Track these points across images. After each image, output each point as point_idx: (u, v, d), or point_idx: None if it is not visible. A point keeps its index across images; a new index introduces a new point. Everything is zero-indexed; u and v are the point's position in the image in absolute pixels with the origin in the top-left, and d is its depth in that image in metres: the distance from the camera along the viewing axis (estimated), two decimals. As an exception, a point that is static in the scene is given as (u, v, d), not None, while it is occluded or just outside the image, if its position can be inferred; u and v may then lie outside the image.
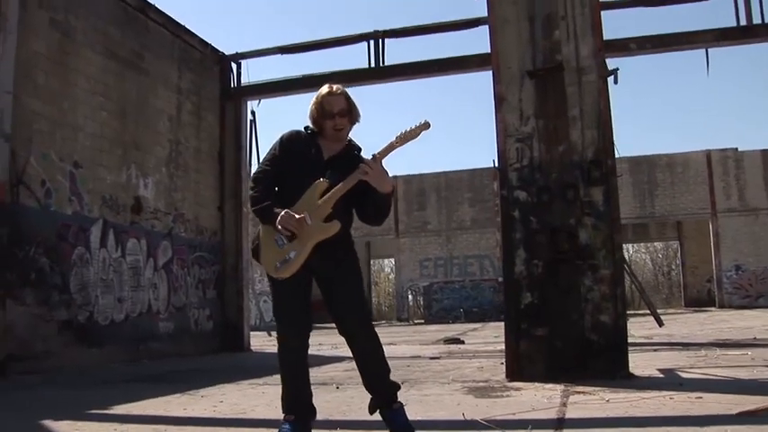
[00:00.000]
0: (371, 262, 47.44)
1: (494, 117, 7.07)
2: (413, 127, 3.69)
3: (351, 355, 3.93)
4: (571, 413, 4.53)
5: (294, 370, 3.86)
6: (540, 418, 4.37)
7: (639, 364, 7.59)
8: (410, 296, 38.94)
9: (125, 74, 12.61)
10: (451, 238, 37.60)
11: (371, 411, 3.94)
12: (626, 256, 52.83)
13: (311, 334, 3.89)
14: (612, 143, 6.86)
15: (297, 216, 3.64)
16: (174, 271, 13.49)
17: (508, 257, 6.87)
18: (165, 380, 7.99)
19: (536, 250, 6.73)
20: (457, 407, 4.99)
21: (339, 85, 4.00)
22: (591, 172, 6.68)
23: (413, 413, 4.85)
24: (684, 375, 6.48)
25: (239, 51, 15.81)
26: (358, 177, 3.68)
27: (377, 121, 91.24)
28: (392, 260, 44.07)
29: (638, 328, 15.73)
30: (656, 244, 52.52)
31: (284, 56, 15.56)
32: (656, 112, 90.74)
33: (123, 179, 12.35)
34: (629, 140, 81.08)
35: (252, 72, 15.43)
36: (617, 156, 7.34)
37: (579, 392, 5.46)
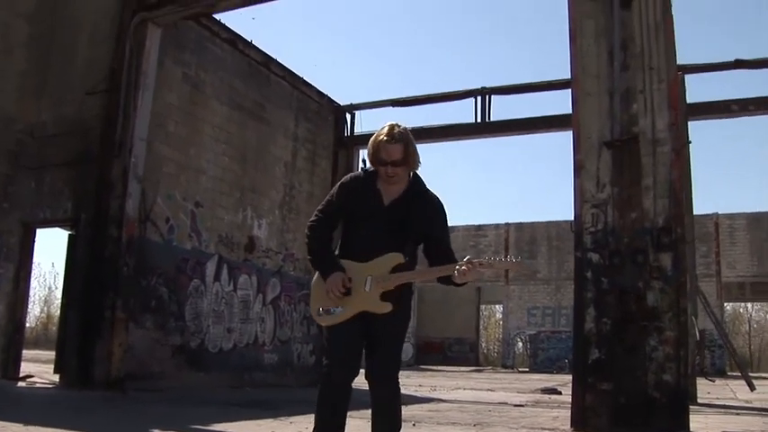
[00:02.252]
0: (482, 307, 47.60)
1: (572, 183, 7.59)
2: (513, 260, 3.68)
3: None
4: (609, 461, 4.98)
5: (332, 410, 3.71)
6: (578, 463, 4.84)
7: (711, 425, 7.86)
8: (519, 343, 38.92)
9: (247, 123, 13.79)
10: (561, 287, 37.37)
11: None
12: (748, 317, 50.87)
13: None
14: (682, 212, 7.24)
15: (342, 285, 3.63)
16: (281, 306, 14.45)
17: (579, 315, 7.32)
18: (261, 406, 8.77)
19: (605, 309, 7.16)
20: (511, 449, 5.50)
21: (402, 129, 3.79)
22: (660, 238, 7.08)
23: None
24: (745, 439, 6.74)
25: (353, 103, 16.81)
26: (447, 273, 3.69)
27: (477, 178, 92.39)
28: (501, 306, 44.09)
29: (745, 392, 15.42)
30: (781, 303, 50.40)
31: (395, 108, 16.41)
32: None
33: (239, 219, 13.44)
34: (753, 194, 78.35)
35: (364, 122, 16.30)
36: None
37: (629, 445, 5.86)
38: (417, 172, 3.92)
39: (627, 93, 7.53)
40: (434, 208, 3.88)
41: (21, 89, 11.91)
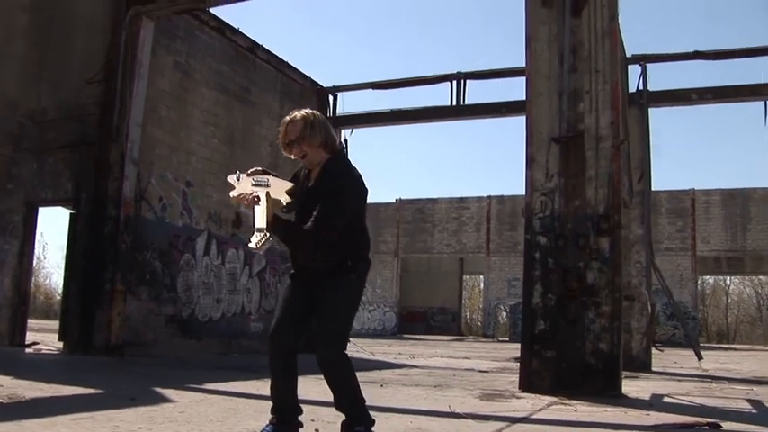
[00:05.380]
0: (465, 277, 48.73)
1: (524, 174, 8.52)
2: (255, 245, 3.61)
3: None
4: (537, 415, 5.95)
5: (274, 374, 3.93)
6: (511, 416, 5.80)
7: (644, 388, 8.90)
8: (505, 313, 40.08)
9: (234, 106, 14.64)
10: (541, 259, 38.30)
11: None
12: (727, 289, 52.04)
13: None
14: (620, 201, 8.20)
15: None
16: (266, 278, 15.43)
17: (527, 290, 8.30)
18: (248, 369, 9.74)
19: (550, 286, 8.13)
20: (461, 405, 6.46)
21: (305, 111, 3.94)
22: (600, 224, 8.02)
23: (419, 405, 6.40)
24: (666, 400, 7.72)
25: (336, 84, 17.64)
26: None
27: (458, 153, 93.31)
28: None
29: (713, 361, 16.25)
30: (760, 277, 51.66)
31: (375, 90, 17.24)
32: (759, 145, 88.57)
33: (227, 197, 14.28)
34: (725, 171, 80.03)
35: (346, 104, 17.17)
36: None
37: (563, 403, 6.85)
38: (341, 155, 4.04)
39: (574, 93, 8.42)
40: (336, 188, 3.81)
41: (21, 76, 12.70)
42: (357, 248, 3.92)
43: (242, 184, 3.73)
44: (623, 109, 9.17)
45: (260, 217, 3.61)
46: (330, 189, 3.77)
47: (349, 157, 4.23)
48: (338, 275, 3.82)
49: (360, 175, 3.94)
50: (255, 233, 3.57)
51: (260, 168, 3.80)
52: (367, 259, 4.00)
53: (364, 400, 3.89)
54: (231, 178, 3.81)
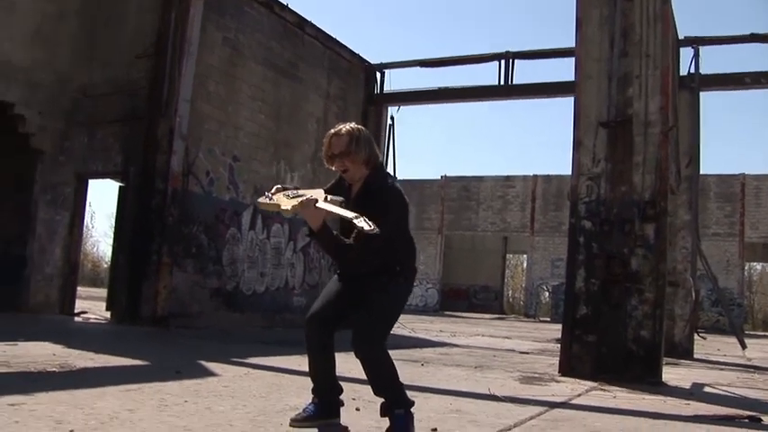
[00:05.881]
0: (508, 256, 48.55)
1: (571, 157, 8.47)
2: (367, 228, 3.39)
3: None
4: (576, 400, 5.97)
5: (312, 356, 3.99)
6: (550, 400, 5.82)
7: (685, 376, 8.85)
8: (547, 293, 39.91)
9: (281, 81, 14.72)
10: (585, 240, 38.00)
11: (381, 414, 3.91)
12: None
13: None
14: (667, 188, 8.11)
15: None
16: (310, 253, 15.58)
17: (571, 275, 8.28)
18: (290, 344, 9.88)
19: (594, 271, 8.09)
20: (500, 387, 6.50)
21: (351, 126, 3.92)
22: (646, 210, 7.96)
23: (459, 386, 6.45)
24: (707, 390, 7.66)
25: (383, 62, 17.63)
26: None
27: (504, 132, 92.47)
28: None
29: (757, 350, 16.11)
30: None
31: (422, 68, 17.19)
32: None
33: (273, 172, 14.49)
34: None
35: (393, 82, 17.19)
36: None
37: (602, 389, 6.86)
38: (381, 169, 4.02)
39: (624, 77, 8.32)
40: (381, 203, 3.77)
41: (74, 53, 12.93)
42: (405, 256, 3.98)
43: (277, 198, 3.82)
44: (673, 94, 9.04)
45: (338, 210, 3.55)
46: (373, 203, 3.73)
47: (390, 172, 4.26)
48: (389, 278, 3.86)
49: (400, 188, 3.92)
50: (357, 219, 3.39)
51: (279, 186, 3.93)
52: (414, 267, 4.06)
53: (402, 385, 3.93)
54: (263, 200, 3.91)
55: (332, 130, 3.92)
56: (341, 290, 4.01)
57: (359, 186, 3.94)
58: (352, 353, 3.73)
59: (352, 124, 3.97)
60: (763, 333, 36.71)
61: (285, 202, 3.77)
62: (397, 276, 3.90)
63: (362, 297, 3.87)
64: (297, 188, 3.91)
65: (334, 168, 3.94)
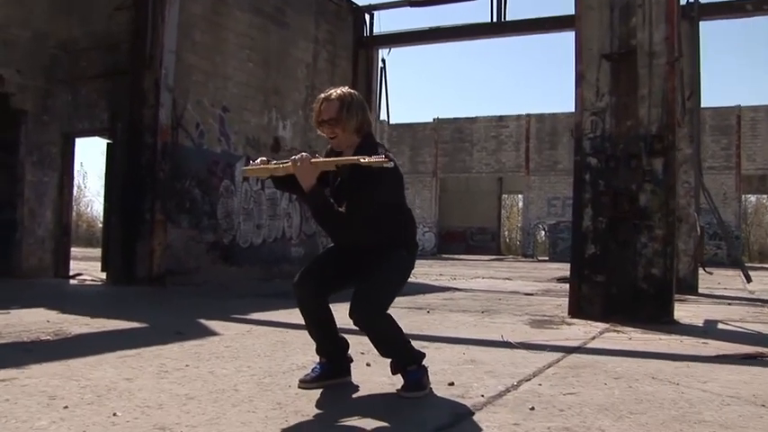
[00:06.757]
0: (503, 197, 48.35)
1: (573, 92, 8.15)
2: (377, 159, 3.37)
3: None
4: (592, 344, 5.78)
5: (308, 320, 3.86)
6: (565, 345, 5.63)
7: (696, 313, 8.68)
8: (542, 233, 39.81)
9: (269, 28, 14.28)
10: (581, 178, 37.79)
11: (393, 372, 3.80)
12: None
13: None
14: (674, 121, 7.82)
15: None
16: (306, 204, 15.30)
17: (577, 213, 8.04)
18: (290, 296, 9.65)
19: (601, 209, 7.86)
20: (511, 333, 6.31)
21: (342, 90, 3.71)
22: (653, 145, 7.68)
23: (469, 334, 6.26)
24: (721, 326, 7.49)
25: (372, 3, 17.14)
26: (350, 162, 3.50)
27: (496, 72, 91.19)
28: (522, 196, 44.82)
29: (757, 282, 15.66)
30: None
31: (412, 8, 16.71)
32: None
33: (265, 121, 14.15)
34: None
35: (383, 24, 16.74)
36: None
37: (615, 330, 6.68)
38: (371, 136, 3.82)
39: (627, 6, 7.96)
40: (373, 173, 3.50)
41: (51, 7, 12.39)
42: (405, 230, 3.86)
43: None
44: (678, 23, 8.69)
45: (336, 160, 3.55)
46: (362, 173, 3.50)
47: (379, 141, 4.02)
48: (391, 249, 3.73)
49: (393, 158, 3.65)
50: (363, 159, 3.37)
51: (265, 159, 3.72)
52: (416, 242, 3.95)
53: (409, 341, 3.79)
54: (245, 170, 3.78)
55: (322, 95, 3.71)
56: (336, 256, 3.89)
57: (348, 155, 3.69)
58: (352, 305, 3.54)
59: (345, 88, 3.74)
60: (759, 265, 36.75)
61: (274, 166, 3.62)
62: (400, 247, 3.77)
63: (359, 269, 3.70)
64: (269, 162, 3.70)
65: (324, 134, 3.74)
